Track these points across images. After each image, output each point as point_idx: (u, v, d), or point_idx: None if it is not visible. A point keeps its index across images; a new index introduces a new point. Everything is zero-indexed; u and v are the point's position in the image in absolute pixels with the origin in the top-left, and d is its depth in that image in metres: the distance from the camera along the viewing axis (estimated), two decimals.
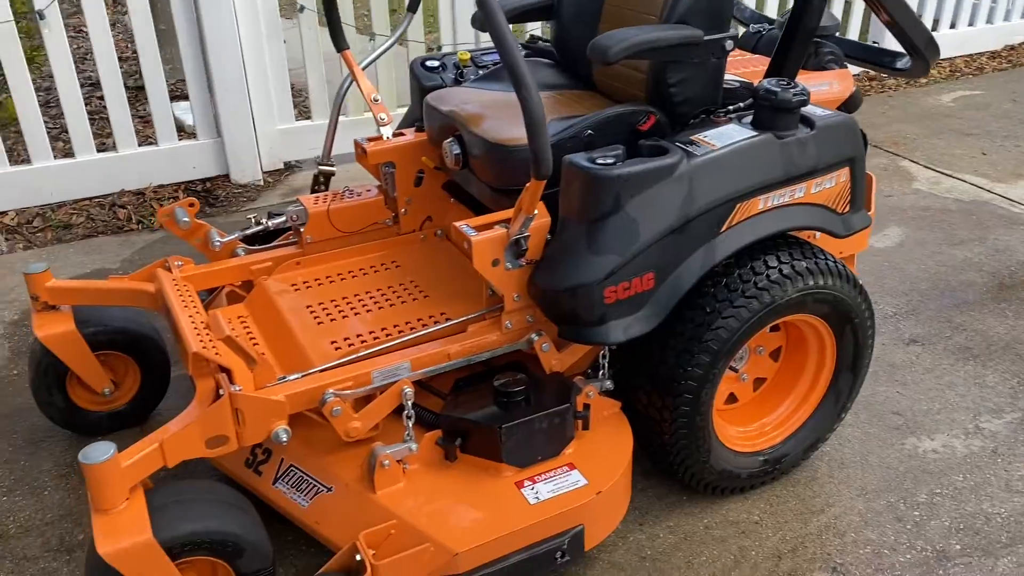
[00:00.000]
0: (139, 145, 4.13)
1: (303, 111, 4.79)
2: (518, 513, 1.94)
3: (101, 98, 4.22)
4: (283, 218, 2.63)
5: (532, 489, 2.00)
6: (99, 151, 4.08)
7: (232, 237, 2.58)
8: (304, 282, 2.52)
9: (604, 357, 2.19)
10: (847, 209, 2.29)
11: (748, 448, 2.34)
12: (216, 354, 1.99)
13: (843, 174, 2.23)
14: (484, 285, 2.21)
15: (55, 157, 4.03)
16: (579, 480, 2.02)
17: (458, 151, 2.31)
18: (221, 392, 1.92)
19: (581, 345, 2.21)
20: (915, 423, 2.66)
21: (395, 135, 2.64)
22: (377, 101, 2.70)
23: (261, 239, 2.70)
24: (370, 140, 2.61)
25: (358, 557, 1.83)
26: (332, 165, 2.89)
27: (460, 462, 2.07)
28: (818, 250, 2.21)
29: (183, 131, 4.42)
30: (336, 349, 2.20)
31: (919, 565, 2.17)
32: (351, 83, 2.81)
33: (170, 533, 1.75)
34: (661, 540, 2.25)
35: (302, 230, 2.59)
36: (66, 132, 4.07)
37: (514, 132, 2.19)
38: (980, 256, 3.63)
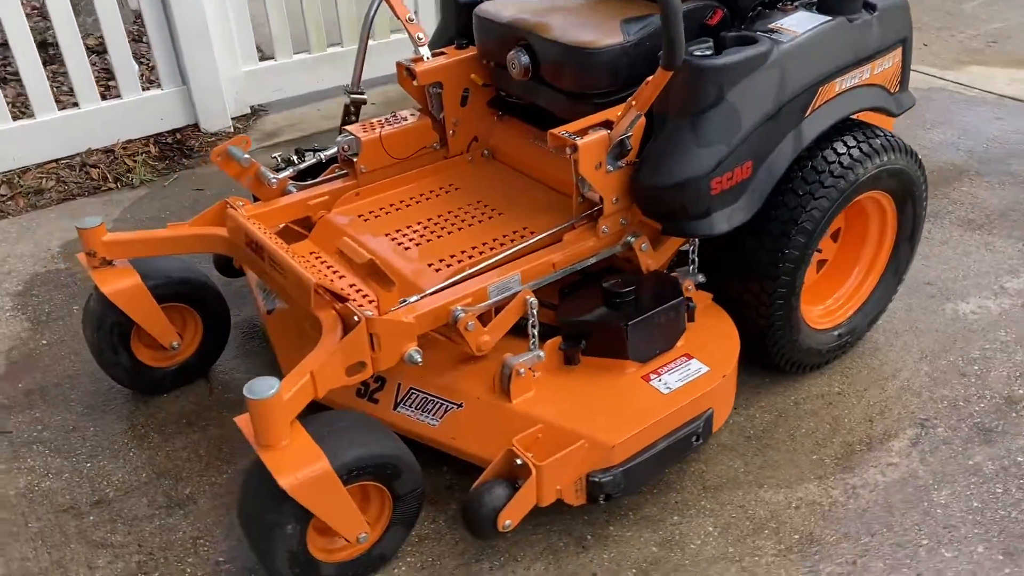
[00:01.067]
0: (101, 100, 3.89)
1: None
2: (656, 403, 2.00)
3: (53, 55, 3.94)
4: (333, 150, 2.55)
5: (660, 381, 2.06)
6: (60, 110, 3.81)
7: (286, 174, 2.50)
8: (370, 212, 2.47)
9: (694, 251, 2.26)
10: (898, 89, 2.40)
11: (826, 324, 2.46)
12: (332, 282, 1.95)
13: (897, 55, 2.34)
14: (574, 193, 2.22)
15: (13, 119, 3.75)
16: (701, 368, 2.10)
17: (527, 60, 2.29)
18: (356, 318, 1.89)
19: (674, 243, 2.27)
20: (947, 290, 2.85)
21: (435, 55, 2.59)
22: (412, 20, 2.63)
23: (306, 174, 2.62)
24: (413, 61, 2.55)
25: (518, 461, 1.86)
26: (362, 93, 2.81)
27: (580, 365, 2.11)
28: (880, 129, 2.32)
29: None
30: (437, 271, 2.18)
31: (994, 411, 2.36)
32: (380, 4, 2.72)
33: (339, 461, 1.74)
34: (759, 420, 2.36)
35: (355, 160, 2.53)
36: (22, 92, 3.78)
37: (590, 35, 2.19)
38: (952, 136, 3.86)
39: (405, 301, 2.00)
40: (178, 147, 4.00)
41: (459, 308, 1.98)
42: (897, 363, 2.55)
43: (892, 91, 2.38)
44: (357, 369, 1.91)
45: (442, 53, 2.59)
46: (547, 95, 2.34)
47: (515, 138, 2.64)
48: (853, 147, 2.21)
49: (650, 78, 1.92)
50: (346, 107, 2.81)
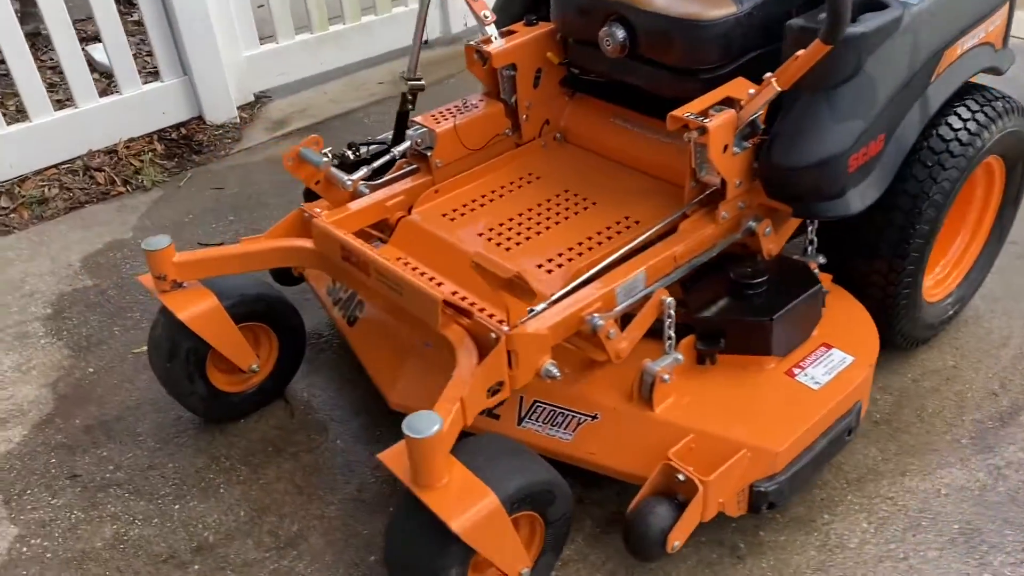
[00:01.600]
0: (100, 96, 3.60)
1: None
2: (811, 401, 1.88)
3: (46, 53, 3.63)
4: (406, 144, 2.35)
5: (806, 375, 1.94)
6: (56, 110, 3.52)
7: (359, 175, 2.29)
8: (453, 210, 2.29)
9: (813, 232, 2.13)
10: (1001, 46, 2.29)
11: (939, 296, 2.37)
12: (461, 299, 1.78)
13: (1005, 9, 2.22)
14: (687, 178, 2.08)
15: (7, 124, 3.45)
16: (845, 358, 1.98)
17: (623, 35, 2.12)
18: (494, 335, 1.73)
19: (792, 225, 2.14)
20: None
21: (504, 34, 2.39)
22: None
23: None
24: (483, 43, 2.35)
25: (680, 477, 1.72)
26: (420, 79, 2.61)
27: (713, 363, 1.98)
28: (997, 91, 2.20)
29: (100, 74, 3.91)
30: (549, 272, 2.02)
31: None
32: None
33: (504, 493, 1.58)
34: (881, 402, 2.26)
35: (429, 155, 2.33)
36: (15, 94, 3.48)
37: (696, 6, 2.03)
38: None
39: (532, 311, 1.84)
40: (185, 143, 3.74)
41: (596, 316, 1.82)
42: (1003, 329, 2.47)
43: (998, 48, 2.26)
44: (495, 390, 1.75)
45: (511, 32, 2.40)
46: (646, 73, 2.17)
47: (591, 118, 2.47)
48: (977, 112, 2.09)
49: (800, 53, 1.76)
50: (403, 96, 2.61)
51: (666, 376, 1.84)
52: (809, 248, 2.14)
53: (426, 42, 4.55)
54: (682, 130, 1.91)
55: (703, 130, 1.88)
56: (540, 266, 2.05)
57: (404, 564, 1.64)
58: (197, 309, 2.06)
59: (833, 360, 1.97)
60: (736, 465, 1.75)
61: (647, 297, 1.90)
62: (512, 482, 1.62)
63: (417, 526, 1.59)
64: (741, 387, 1.92)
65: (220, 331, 2.12)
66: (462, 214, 2.27)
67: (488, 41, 2.36)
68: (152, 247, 2.04)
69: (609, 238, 2.12)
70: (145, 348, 2.50)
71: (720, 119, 1.87)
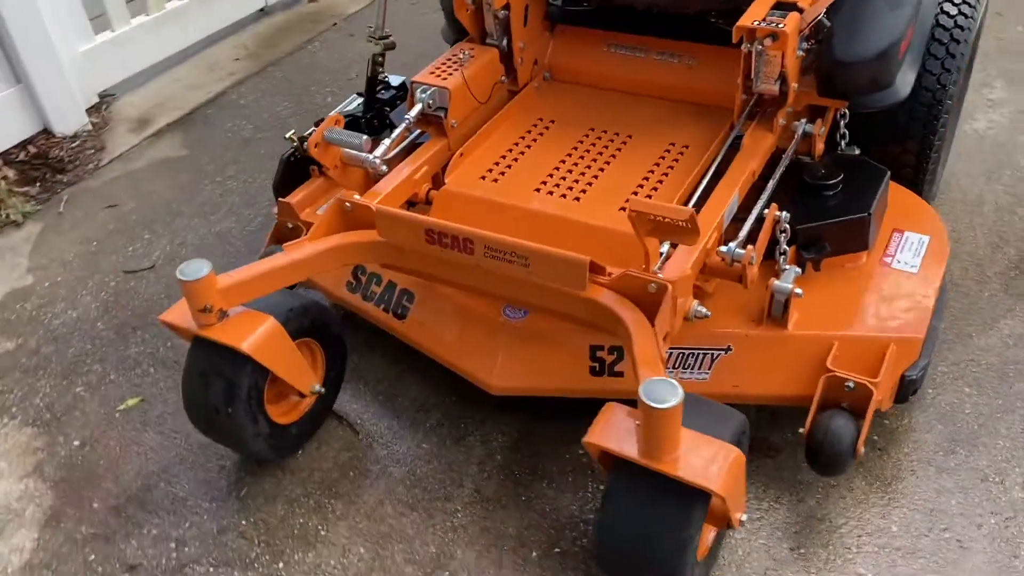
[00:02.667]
0: None
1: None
2: (919, 284, 1.93)
3: None
4: (417, 108, 2.11)
5: (899, 262, 1.98)
6: None
7: (381, 151, 2.03)
8: (489, 171, 2.10)
9: (844, 124, 2.16)
10: None
11: None
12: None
13: None
14: (739, 90, 2.02)
15: None
16: (921, 238, 2.04)
17: None
18: (653, 287, 1.61)
19: (826, 120, 2.16)
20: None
21: None
22: None
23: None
24: None
25: (849, 385, 1.72)
26: (389, 35, 2.34)
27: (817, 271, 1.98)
28: None
29: None
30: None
31: None
32: None
33: (731, 440, 1.50)
34: None
35: (444, 116, 2.11)
36: None
37: None
38: None
39: (663, 254, 1.73)
40: (41, 162, 3.16)
41: (732, 247, 1.74)
42: (974, 190, 2.67)
43: None
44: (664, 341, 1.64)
45: None
46: None
47: (583, 51, 2.35)
48: None
49: None
50: (374, 57, 2.34)
51: (799, 290, 1.81)
52: (842, 142, 2.18)
53: (263, 10, 4.13)
54: (749, 40, 1.85)
55: (775, 36, 1.83)
56: (623, 209, 1.93)
57: (638, 547, 1.51)
58: (259, 336, 1.75)
59: (912, 243, 2.03)
60: (892, 360, 1.77)
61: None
62: (727, 431, 1.53)
63: (651, 501, 1.47)
64: (852, 286, 1.94)
65: (284, 356, 1.83)
66: (502, 172, 2.09)
67: None
68: (190, 276, 1.70)
69: (671, 167, 2.05)
70: (131, 403, 2.16)
71: (791, 22, 1.83)
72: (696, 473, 1.41)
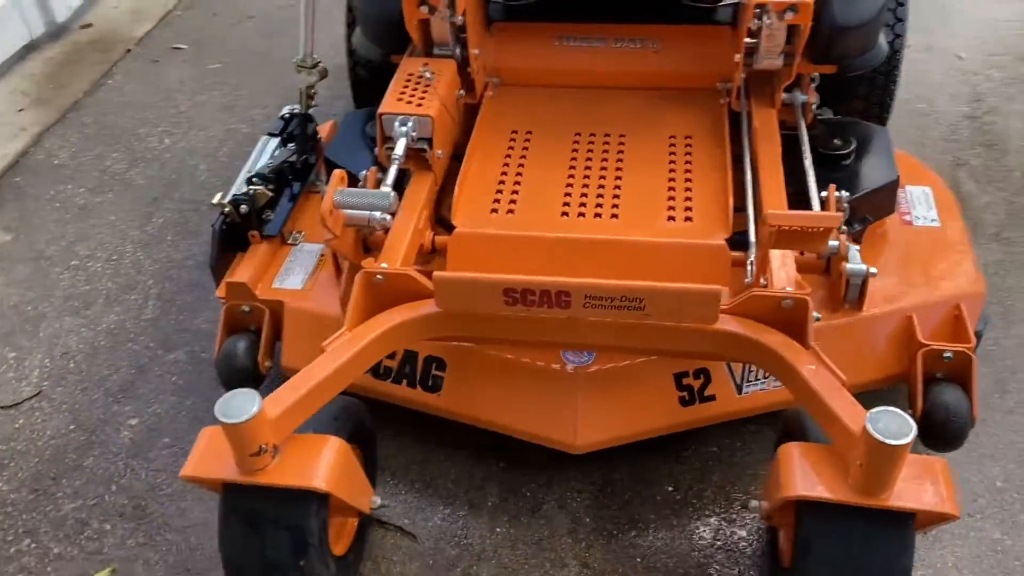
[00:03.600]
0: None
1: None
2: (950, 236, 1.92)
3: None
4: (402, 144, 1.77)
5: (918, 219, 1.97)
6: None
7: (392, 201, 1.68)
8: (495, 202, 1.83)
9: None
10: None
11: None
12: None
13: None
14: (737, 68, 1.90)
15: None
16: (924, 189, 2.03)
17: None
18: (788, 303, 1.46)
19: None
20: None
21: None
22: None
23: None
24: None
25: (947, 355, 1.67)
26: (319, 62, 1.96)
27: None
28: None
29: None
30: (688, 221, 1.74)
31: None
32: None
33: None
34: None
35: (428, 148, 1.81)
36: None
37: None
38: None
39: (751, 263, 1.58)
40: None
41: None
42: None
43: None
44: None
45: None
46: None
47: (531, 49, 2.12)
48: None
49: None
50: (305, 92, 1.95)
51: (874, 270, 1.73)
52: (815, 105, 2.13)
53: (29, 45, 3.42)
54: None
55: (795, 8, 1.72)
56: (671, 219, 1.75)
57: None
58: (329, 466, 1.40)
59: (919, 196, 2.03)
60: (964, 321, 1.76)
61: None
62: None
63: (866, 539, 1.33)
64: (895, 251, 1.90)
65: (351, 477, 1.48)
66: (512, 201, 1.83)
67: None
68: (239, 417, 1.30)
69: (688, 162, 1.89)
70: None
71: None
72: (919, 499, 1.29)
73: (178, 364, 2.15)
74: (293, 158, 2.01)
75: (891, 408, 1.26)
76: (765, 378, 1.74)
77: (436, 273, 1.50)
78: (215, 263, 1.91)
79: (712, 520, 1.76)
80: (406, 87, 1.85)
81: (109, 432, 2.00)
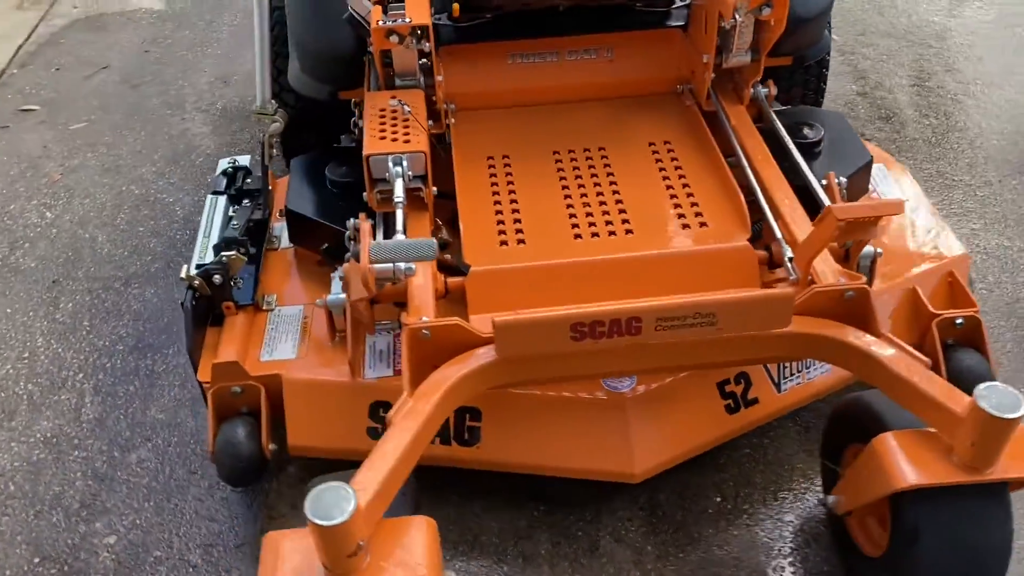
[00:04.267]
0: None
1: None
2: (917, 207, 2.01)
3: None
4: (400, 185, 1.63)
5: (882, 194, 2.05)
6: None
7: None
8: (502, 233, 1.73)
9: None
10: None
11: None
12: None
13: None
14: (708, 68, 1.90)
15: None
16: (878, 166, 2.12)
17: None
18: (848, 295, 1.46)
19: None
20: None
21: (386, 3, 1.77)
22: None
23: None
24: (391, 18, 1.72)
25: (959, 321, 1.74)
26: (279, 108, 1.78)
27: None
28: None
29: None
30: (703, 227, 1.72)
31: None
32: None
33: None
34: None
35: (424, 185, 1.68)
36: None
37: None
38: None
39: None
40: None
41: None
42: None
43: None
44: None
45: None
46: None
47: (483, 70, 2.04)
48: None
49: None
50: (268, 139, 1.76)
51: (879, 249, 1.76)
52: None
53: None
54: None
55: (770, 4, 1.74)
56: (685, 227, 1.72)
57: (970, 565, 1.38)
58: (424, 551, 1.26)
59: (876, 173, 2.10)
60: (964, 282, 1.83)
61: None
62: None
63: (975, 515, 1.35)
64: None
65: (438, 558, 1.34)
66: (518, 231, 1.74)
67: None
68: (339, 516, 1.14)
69: (678, 167, 1.87)
70: None
71: None
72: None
73: (144, 464, 1.89)
74: (257, 215, 1.82)
75: (995, 384, 1.28)
76: (798, 372, 1.74)
77: (496, 319, 1.38)
78: (192, 344, 1.69)
79: (767, 523, 1.74)
80: (383, 124, 1.72)
81: (85, 557, 1.72)
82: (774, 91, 2.02)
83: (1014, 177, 2.60)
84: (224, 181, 1.93)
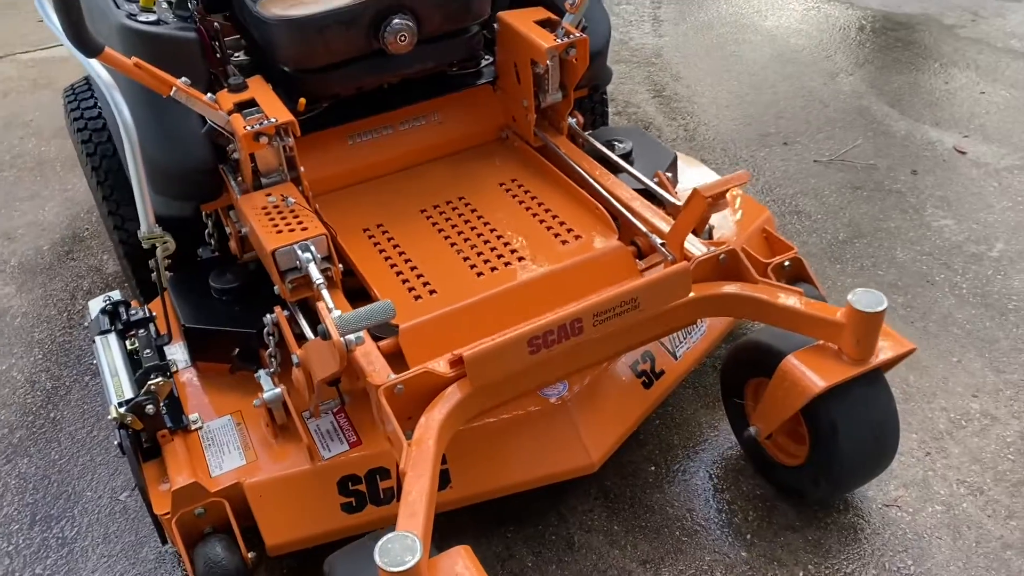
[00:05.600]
0: None
1: None
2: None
3: None
4: (314, 269, 1.70)
5: (686, 183, 2.42)
6: None
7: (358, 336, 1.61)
8: (411, 290, 1.86)
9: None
10: None
11: None
12: None
13: None
14: (529, 112, 2.16)
15: None
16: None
17: (413, 23, 1.98)
18: (722, 259, 1.76)
19: None
20: None
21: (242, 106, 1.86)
22: None
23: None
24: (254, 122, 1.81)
25: (785, 264, 2.11)
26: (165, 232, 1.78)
27: None
28: None
29: None
30: (578, 238, 1.96)
31: None
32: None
33: None
34: None
35: (331, 266, 1.78)
36: None
37: None
38: None
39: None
40: None
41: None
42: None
43: None
44: None
45: (243, 88, 1.89)
46: (430, 52, 2.07)
47: (326, 157, 2.15)
48: None
49: None
50: (157, 263, 1.75)
51: (714, 223, 2.10)
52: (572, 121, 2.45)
53: None
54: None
55: (574, 47, 2.04)
56: (564, 243, 1.95)
57: (877, 443, 1.71)
58: None
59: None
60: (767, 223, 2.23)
61: None
62: None
63: (869, 399, 1.69)
64: None
65: None
66: (425, 283, 1.88)
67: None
68: (407, 564, 1.23)
69: (535, 197, 2.10)
70: None
71: (575, 29, 2.05)
72: (894, 349, 1.67)
73: None
74: (160, 340, 1.81)
75: (862, 289, 1.62)
76: (684, 340, 2.02)
77: (465, 353, 1.53)
78: (142, 483, 1.66)
79: (699, 473, 2.00)
80: (273, 219, 1.79)
81: None
82: (581, 119, 2.33)
83: (759, 149, 3.12)
84: (107, 320, 1.89)
